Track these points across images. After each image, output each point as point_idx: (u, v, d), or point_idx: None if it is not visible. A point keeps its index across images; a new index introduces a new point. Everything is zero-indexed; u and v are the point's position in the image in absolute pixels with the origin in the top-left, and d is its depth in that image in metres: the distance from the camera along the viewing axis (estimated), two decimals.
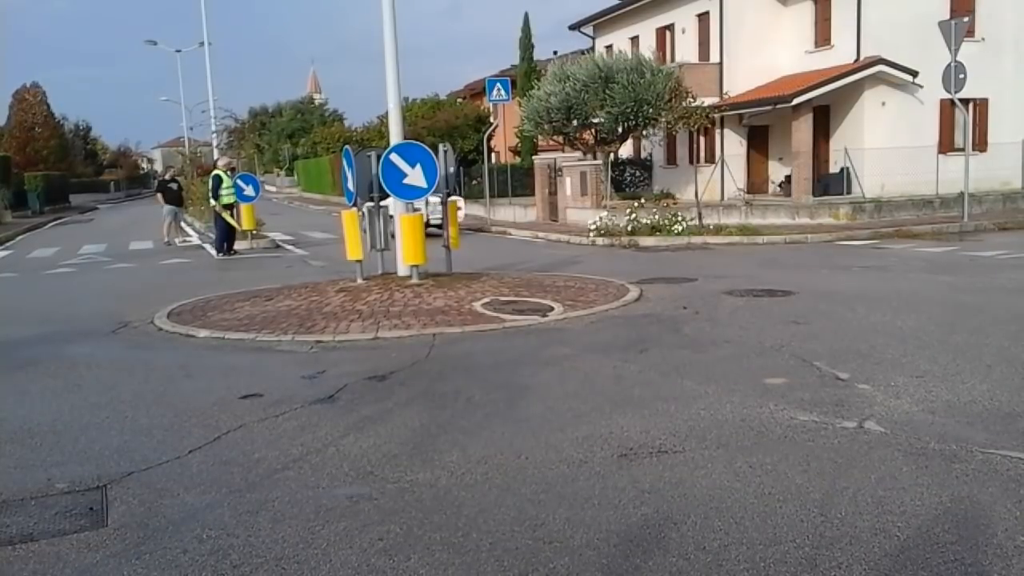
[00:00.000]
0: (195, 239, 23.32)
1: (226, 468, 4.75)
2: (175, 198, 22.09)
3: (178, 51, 49.21)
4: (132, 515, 4.14)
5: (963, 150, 19.86)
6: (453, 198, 11.87)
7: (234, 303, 10.43)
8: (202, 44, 37.03)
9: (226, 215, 18.17)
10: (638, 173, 29.46)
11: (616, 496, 4.13)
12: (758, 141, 26.39)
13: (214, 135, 34.62)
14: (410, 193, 10.56)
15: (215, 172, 18.79)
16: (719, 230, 18.12)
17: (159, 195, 22.37)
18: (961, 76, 18.48)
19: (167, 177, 23.83)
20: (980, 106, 23.24)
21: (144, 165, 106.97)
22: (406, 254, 10.70)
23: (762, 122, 25.55)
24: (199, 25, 36.00)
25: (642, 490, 4.19)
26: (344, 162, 11.70)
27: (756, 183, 26.16)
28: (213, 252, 18.40)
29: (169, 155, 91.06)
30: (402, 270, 11.02)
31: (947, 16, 20.49)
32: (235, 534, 3.87)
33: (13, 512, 4.21)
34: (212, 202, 18.43)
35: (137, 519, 4.09)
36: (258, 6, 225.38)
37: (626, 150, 29.75)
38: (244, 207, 20.08)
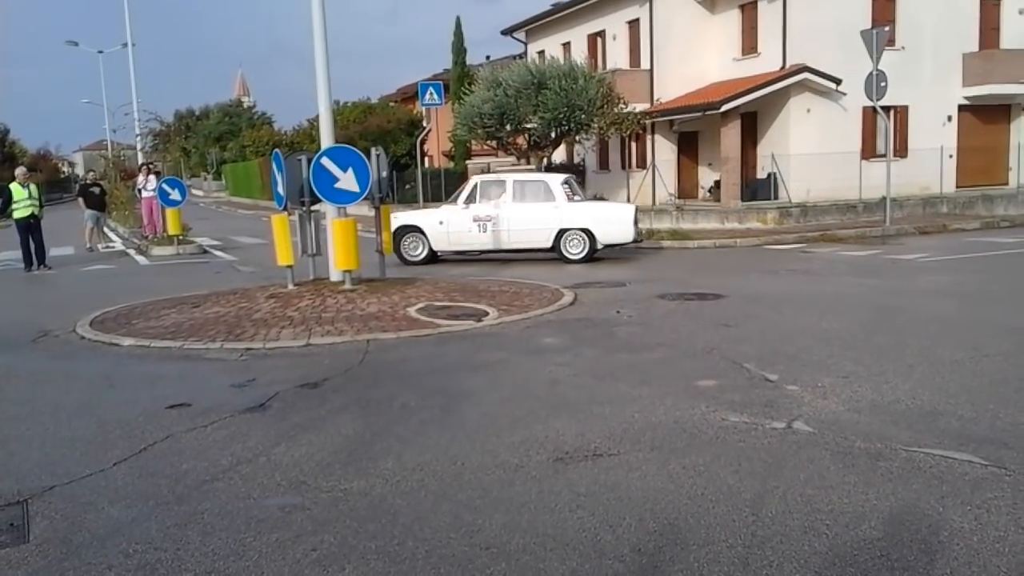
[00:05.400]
0: (119, 245, 22.69)
1: (153, 480, 4.61)
2: (97, 202, 21.44)
3: (100, 52, 47.78)
4: (55, 530, 3.99)
5: (885, 156, 20.51)
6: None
7: (160, 310, 10.16)
8: (125, 45, 36.05)
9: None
10: None
11: (552, 500, 4.14)
12: (688, 147, 26.84)
13: (138, 138, 33.65)
14: (342, 197, 10.43)
15: (10, 185, 17.08)
16: (651, 235, 18.35)
17: (81, 199, 21.70)
18: (883, 84, 19.08)
19: (89, 181, 23.14)
20: (901, 113, 24.06)
21: (65, 169, 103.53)
22: (339, 259, 10.57)
23: (692, 128, 25.99)
24: (123, 26, 35.02)
25: (578, 493, 4.20)
26: (274, 166, 11.50)
27: (687, 188, 26.60)
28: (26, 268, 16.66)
29: (91, 159, 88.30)
30: (335, 275, 10.88)
31: (869, 25, 21.13)
32: (163, 548, 3.76)
33: None
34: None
35: (60, 534, 3.95)
36: (185, 8, 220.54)
37: (559, 155, 29.94)
38: (170, 211, 19.61)
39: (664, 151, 26.61)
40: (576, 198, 15.27)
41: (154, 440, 5.29)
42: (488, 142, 26.57)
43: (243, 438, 5.29)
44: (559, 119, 23.30)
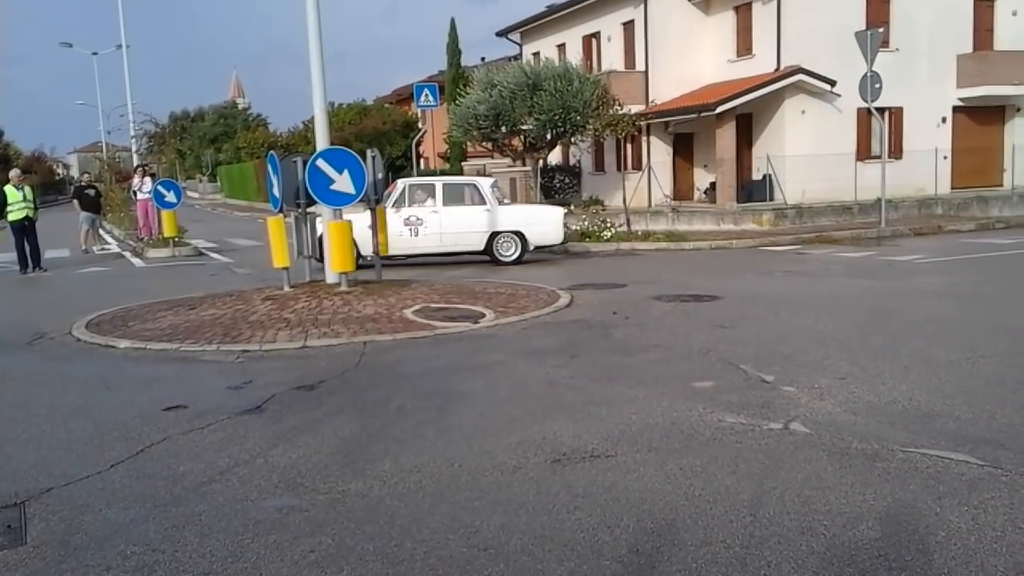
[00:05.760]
0: (114, 247, 22.64)
1: (150, 482, 4.60)
2: (92, 205, 21.40)
3: (95, 54, 47.72)
4: (52, 532, 3.99)
5: (880, 157, 20.56)
6: (382, 204, 11.78)
7: (156, 313, 10.14)
8: (120, 47, 36.01)
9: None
10: (567, 180, 29.70)
11: (550, 501, 4.14)
12: (684, 148, 26.87)
13: (133, 140, 33.66)
14: (337, 199, 10.44)
15: (4, 187, 17.02)
16: (647, 236, 18.39)
17: (76, 201, 21.66)
18: (877, 85, 19.13)
19: (84, 183, 23.09)
20: (895, 114, 24.09)
21: (60, 171, 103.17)
22: (334, 261, 10.57)
23: (687, 130, 26.02)
24: (117, 27, 34.97)
25: (575, 495, 4.21)
26: (269, 168, 11.51)
27: (682, 190, 26.63)
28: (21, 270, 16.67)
29: (86, 160, 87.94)
30: (331, 277, 10.88)
31: (863, 27, 21.18)
32: (161, 550, 3.76)
33: None
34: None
35: (57, 536, 3.94)
36: (180, 9, 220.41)
37: (555, 157, 29.96)
38: (166, 214, 19.58)
39: (660, 153, 26.64)
40: (506, 201, 15.30)
41: (151, 442, 5.29)
42: (484, 144, 26.57)
43: (240, 440, 5.29)
44: (554, 121, 23.31)
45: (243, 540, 3.82)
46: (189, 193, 60.33)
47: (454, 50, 34.12)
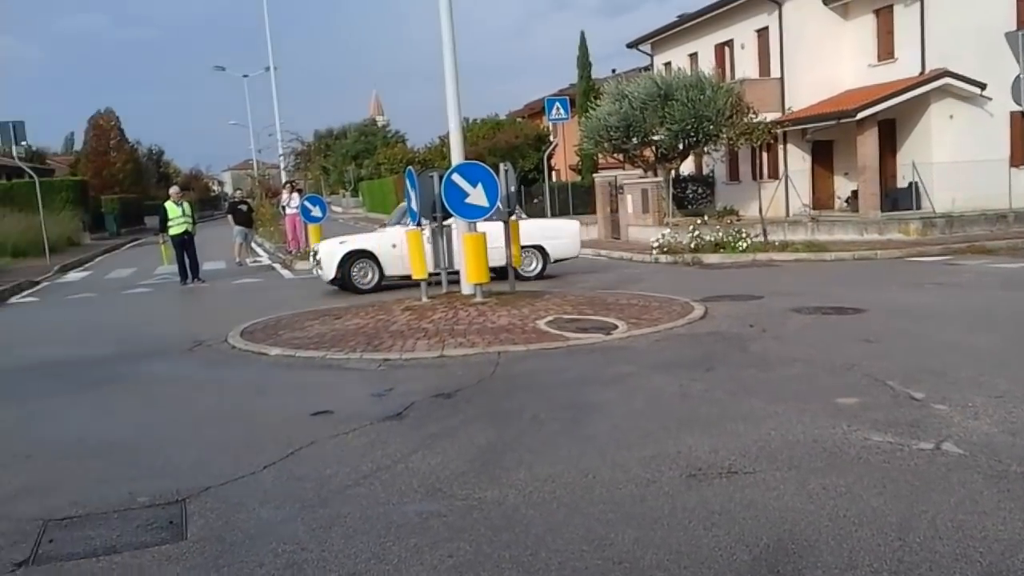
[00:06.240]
0: (265, 259, 23.85)
1: (299, 483, 4.85)
2: (245, 219, 22.63)
3: (245, 76, 50.59)
4: (210, 528, 4.25)
5: None
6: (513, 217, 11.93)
7: (304, 322, 10.64)
8: (268, 69, 38.01)
9: (163, 247, 18.01)
10: (700, 190, 29.24)
11: (685, 517, 4.10)
12: (822, 156, 25.98)
13: (281, 158, 35.41)
14: (472, 212, 10.65)
15: (164, 204, 18.21)
16: (785, 247, 17.86)
17: (230, 216, 22.96)
18: None
19: (237, 199, 24.43)
20: None
21: (215, 187, 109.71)
22: (470, 273, 10.79)
23: (826, 137, 25.17)
24: (265, 50, 36.94)
25: (712, 511, 4.15)
26: (407, 182, 11.87)
27: (822, 199, 25.73)
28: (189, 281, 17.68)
29: (239, 178, 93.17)
30: (466, 288, 11.11)
31: (1014, 27, 19.90)
32: (309, 549, 3.95)
33: (97, 525, 4.36)
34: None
35: (215, 532, 4.20)
36: (323, 32, 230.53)
37: (687, 167, 29.57)
38: (312, 227, 20.54)
39: (797, 161, 25.86)
40: (523, 216, 15.02)
41: (300, 445, 5.56)
42: (614, 155, 26.51)
43: (382, 445, 5.49)
44: (687, 130, 23.04)
45: (385, 542, 3.97)
46: (333, 208, 62.80)
47: (584, 63, 34.22)
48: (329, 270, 14.09)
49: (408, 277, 14.13)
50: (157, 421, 6.58)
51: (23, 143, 26.90)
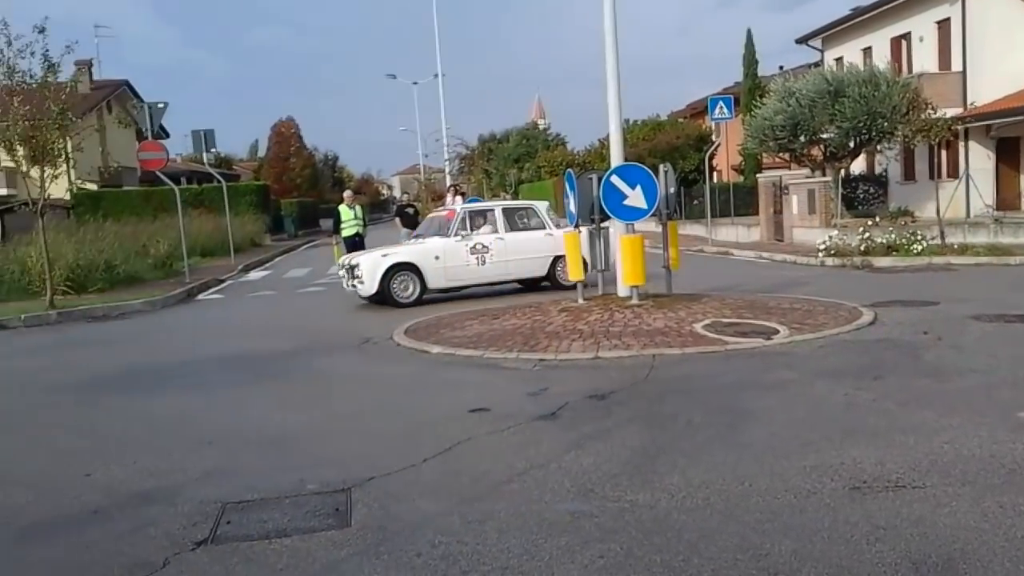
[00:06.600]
0: None
1: (456, 478, 5.01)
2: (412, 222, 23.34)
3: (415, 83, 52.47)
4: (373, 517, 4.47)
5: None
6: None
7: (464, 321, 10.94)
8: (436, 76, 39.26)
9: (336, 248, 18.40)
10: (871, 190, 27.76)
11: (848, 530, 3.94)
12: (1008, 154, 24.11)
13: (446, 162, 36.54)
14: (630, 214, 10.61)
15: (338, 207, 18.91)
16: (964, 250, 16.70)
17: (398, 219, 23.84)
18: None
19: (404, 202, 25.38)
20: None
21: (384, 191, 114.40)
22: (626, 275, 10.75)
23: (1013, 133, 23.35)
24: (434, 58, 38.17)
25: (876, 526, 3.97)
26: (566, 185, 11.97)
27: (1007, 199, 23.88)
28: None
29: (406, 182, 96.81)
30: (622, 290, 11.08)
31: None
32: (464, 541, 4.08)
33: (271, 509, 4.68)
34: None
35: (377, 521, 4.41)
36: (488, 38, 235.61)
37: (858, 166, 28.17)
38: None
39: (979, 159, 24.12)
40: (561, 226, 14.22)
41: (458, 441, 5.74)
42: (780, 155, 25.64)
43: (536, 444, 5.58)
44: (859, 128, 21.98)
45: (537, 540, 4.04)
46: None
47: (750, 60, 33.28)
48: (372, 284, 13.64)
49: (450, 290, 14.30)
50: (327, 413, 6.96)
51: (213, 150, 28.97)
